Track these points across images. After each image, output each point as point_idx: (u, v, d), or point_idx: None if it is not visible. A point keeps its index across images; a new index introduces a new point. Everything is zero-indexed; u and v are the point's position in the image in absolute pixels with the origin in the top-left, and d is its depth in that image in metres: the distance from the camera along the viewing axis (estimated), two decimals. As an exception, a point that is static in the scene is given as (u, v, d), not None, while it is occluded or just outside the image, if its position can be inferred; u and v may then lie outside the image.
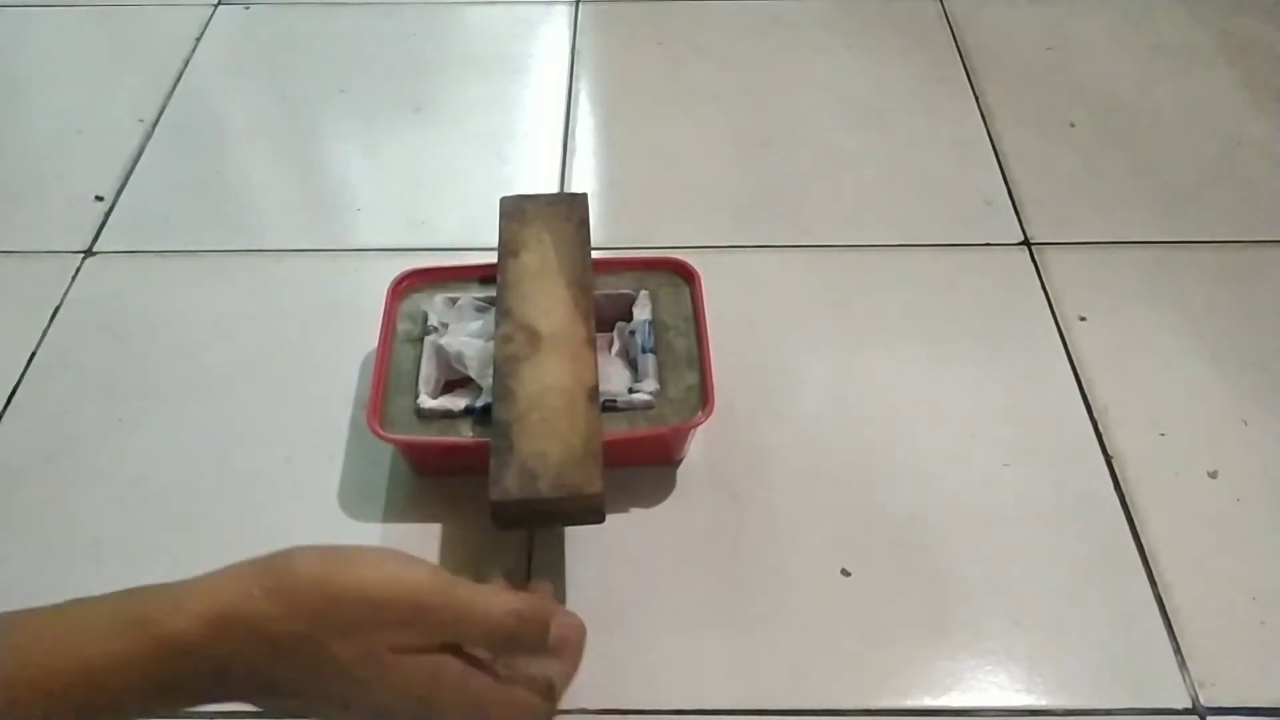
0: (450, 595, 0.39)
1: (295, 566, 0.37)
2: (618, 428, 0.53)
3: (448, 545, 0.54)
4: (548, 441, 0.49)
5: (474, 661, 0.40)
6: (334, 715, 0.39)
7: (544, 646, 0.41)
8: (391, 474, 0.57)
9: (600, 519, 0.48)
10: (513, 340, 0.53)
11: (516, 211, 0.60)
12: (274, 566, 0.37)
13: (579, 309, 0.55)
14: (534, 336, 0.53)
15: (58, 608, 0.37)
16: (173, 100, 0.81)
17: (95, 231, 0.71)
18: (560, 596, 0.51)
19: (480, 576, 0.48)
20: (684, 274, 0.60)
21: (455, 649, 0.40)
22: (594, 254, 0.58)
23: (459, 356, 0.56)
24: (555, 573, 0.52)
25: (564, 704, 0.48)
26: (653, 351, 0.56)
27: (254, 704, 0.39)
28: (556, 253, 0.58)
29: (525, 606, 0.40)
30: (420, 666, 0.38)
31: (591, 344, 0.53)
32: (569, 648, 0.47)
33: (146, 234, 0.71)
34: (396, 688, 0.38)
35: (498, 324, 0.54)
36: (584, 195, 0.61)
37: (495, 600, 0.40)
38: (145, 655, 0.35)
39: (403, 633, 0.38)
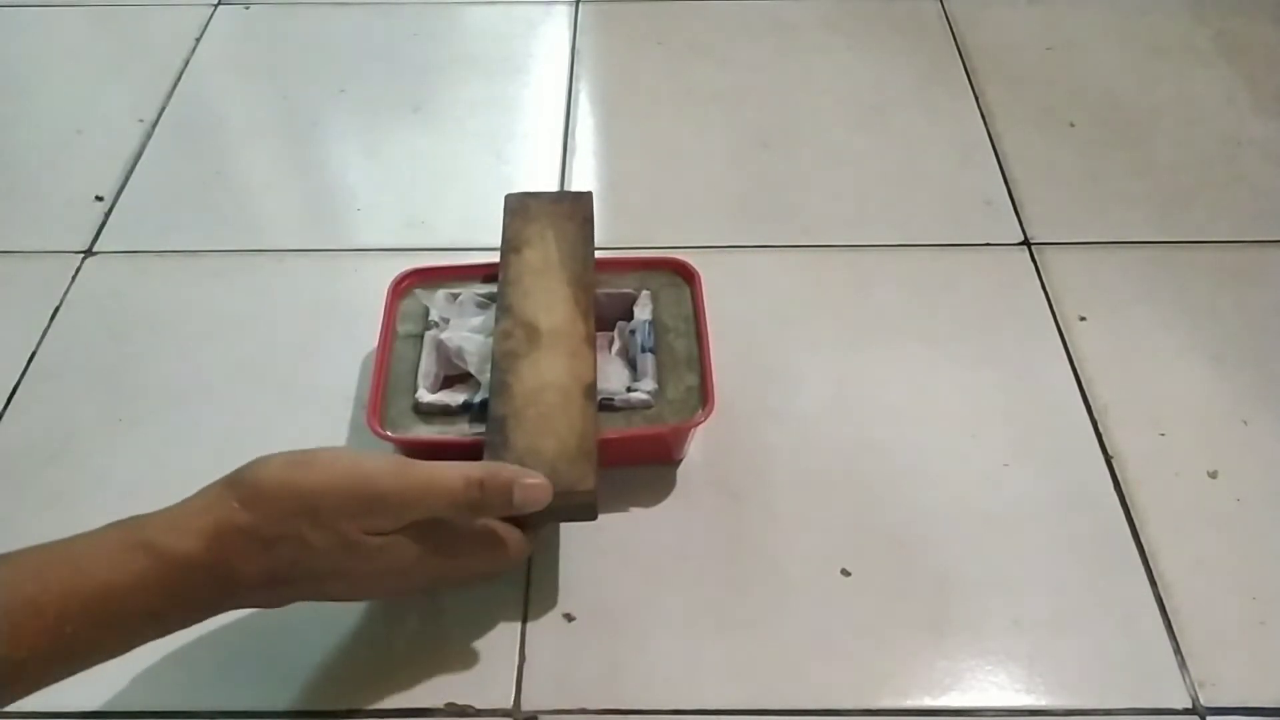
0: (405, 477, 0.43)
1: (259, 476, 0.41)
2: (615, 427, 0.53)
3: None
4: (543, 438, 0.49)
5: (441, 529, 0.44)
6: (341, 590, 0.44)
7: (510, 507, 0.44)
8: (391, 474, 0.56)
9: (593, 517, 0.48)
10: (512, 336, 0.53)
11: (520, 208, 0.60)
12: (242, 480, 0.41)
13: (579, 307, 0.55)
14: (533, 333, 0.53)
15: (63, 540, 0.40)
16: (173, 100, 0.81)
17: (95, 231, 0.71)
18: (562, 596, 0.52)
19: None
20: (684, 274, 0.60)
21: (433, 523, 0.44)
22: (595, 253, 0.58)
23: (459, 352, 0.56)
24: (551, 572, 0.52)
25: (564, 704, 0.48)
26: (652, 351, 0.56)
27: (268, 602, 0.43)
28: (559, 250, 0.58)
29: (484, 473, 0.44)
30: (397, 543, 0.42)
31: (591, 342, 0.53)
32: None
33: (146, 234, 0.71)
34: (382, 562, 0.42)
35: (497, 320, 0.54)
36: (588, 194, 0.61)
37: (452, 473, 0.43)
38: (158, 574, 0.39)
39: (371, 518, 0.42)
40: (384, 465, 0.43)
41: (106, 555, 0.39)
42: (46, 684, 0.39)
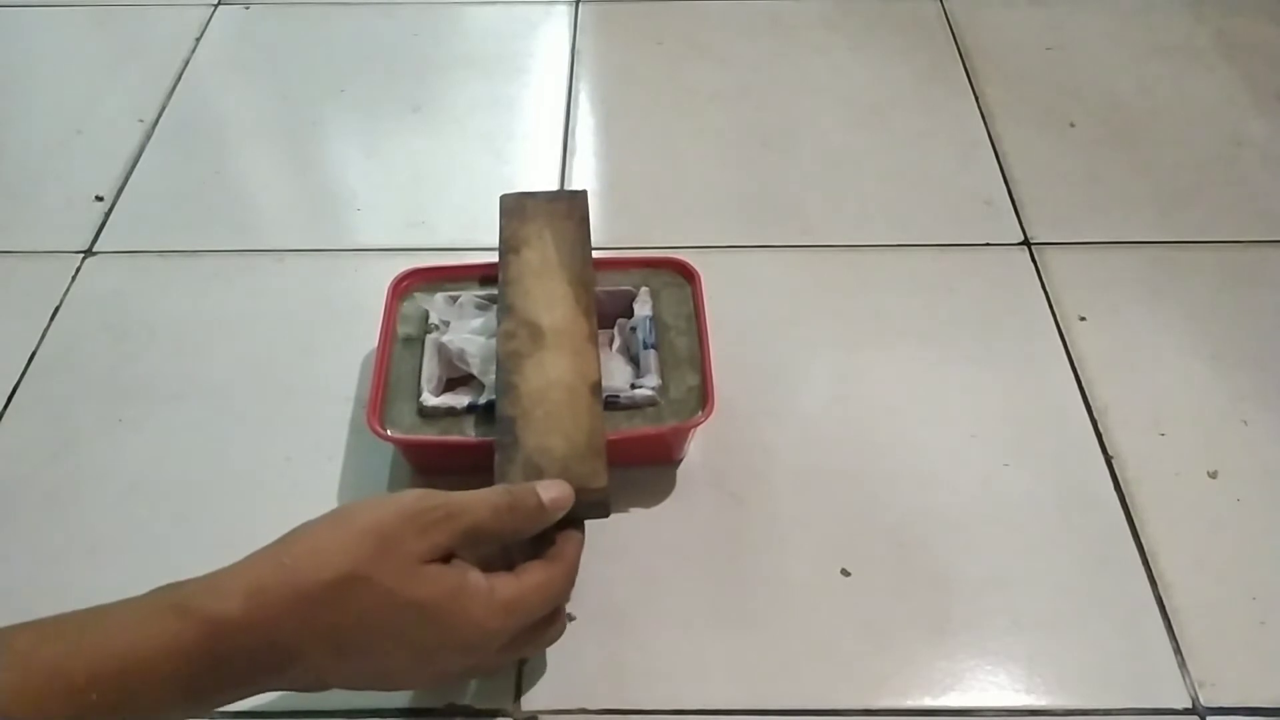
0: (445, 494, 0.42)
1: (310, 528, 0.40)
2: (620, 424, 0.53)
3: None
4: (552, 437, 0.49)
5: (491, 573, 0.43)
6: (400, 661, 0.41)
7: (543, 509, 0.45)
8: (392, 474, 0.57)
9: (606, 513, 0.48)
10: (515, 336, 0.53)
11: (517, 209, 0.60)
12: (292, 537, 0.40)
13: (580, 305, 0.55)
14: (536, 332, 0.53)
15: (98, 606, 0.37)
16: (173, 100, 0.81)
17: (95, 231, 0.71)
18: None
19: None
20: (685, 274, 0.60)
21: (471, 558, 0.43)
22: (594, 254, 0.58)
23: (461, 354, 0.56)
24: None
25: (564, 704, 0.48)
26: (654, 347, 0.56)
27: (297, 683, 0.40)
28: (557, 249, 0.58)
29: (511, 484, 0.46)
30: (449, 572, 0.41)
31: (593, 340, 0.53)
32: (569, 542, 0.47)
33: (146, 234, 0.71)
34: (435, 601, 0.40)
35: (500, 320, 0.54)
36: (584, 192, 0.61)
37: (482, 490, 0.44)
38: (191, 638, 0.36)
39: (424, 538, 0.40)
40: (419, 491, 0.42)
41: (137, 618, 0.37)
42: None
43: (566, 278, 0.56)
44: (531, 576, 0.44)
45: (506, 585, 0.43)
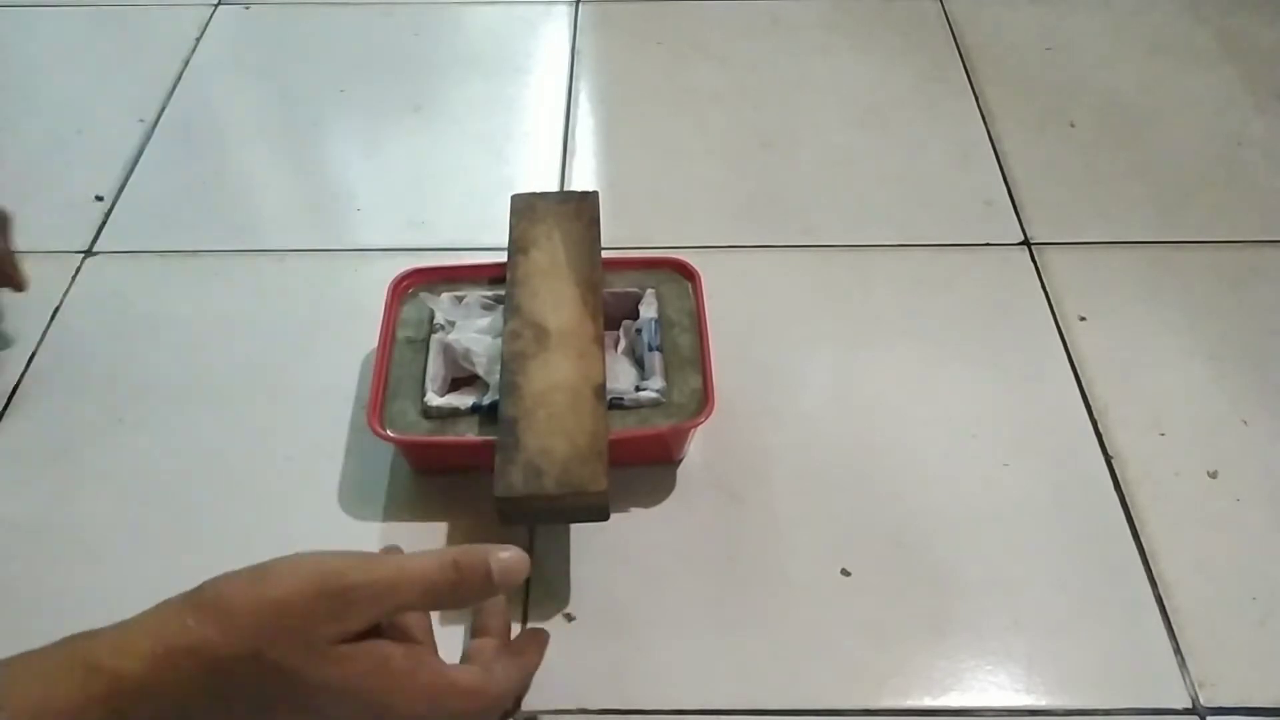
0: (375, 567, 0.39)
1: (221, 590, 0.38)
2: (625, 426, 0.53)
3: (449, 544, 0.54)
4: (554, 439, 0.49)
5: (417, 653, 0.41)
6: None
7: (491, 590, 0.41)
8: (391, 474, 0.57)
9: (604, 517, 0.48)
10: (520, 337, 0.53)
11: (527, 209, 0.61)
12: (202, 596, 0.38)
13: (587, 307, 0.55)
14: (542, 333, 0.53)
15: (4, 660, 0.36)
16: (173, 100, 0.81)
17: (95, 231, 0.71)
18: (563, 596, 0.51)
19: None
20: (685, 273, 0.60)
21: (398, 636, 0.41)
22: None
23: (466, 354, 0.56)
24: (559, 572, 0.52)
25: (564, 704, 0.48)
26: (659, 350, 0.56)
27: None
28: (566, 251, 0.58)
29: (458, 552, 0.41)
30: (365, 654, 0.39)
31: (599, 342, 0.53)
32: (532, 643, 0.48)
33: (146, 234, 0.71)
34: (347, 684, 0.38)
35: (506, 320, 0.54)
36: (595, 194, 0.61)
37: (425, 558, 0.40)
38: (105, 698, 0.36)
39: (339, 623, 0.38)
40: (351, 558, 0.40)
41: (59, 676, 0.36)
42: None
43: (574, 279, 0.56)
44: (466, 675, 0.42)
45: (432, 670, 0.41)
